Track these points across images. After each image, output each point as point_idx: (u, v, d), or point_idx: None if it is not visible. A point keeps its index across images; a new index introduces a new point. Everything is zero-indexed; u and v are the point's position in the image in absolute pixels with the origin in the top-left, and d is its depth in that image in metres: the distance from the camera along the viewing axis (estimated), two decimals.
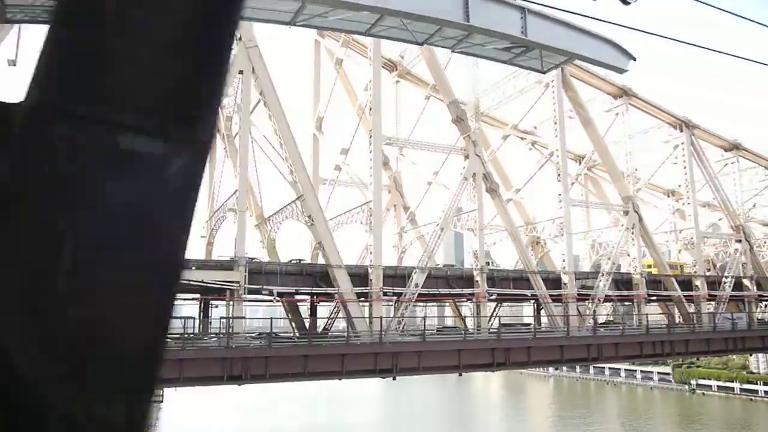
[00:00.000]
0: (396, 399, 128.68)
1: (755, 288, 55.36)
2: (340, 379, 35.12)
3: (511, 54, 10.15)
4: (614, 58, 10.36)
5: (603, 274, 46.93)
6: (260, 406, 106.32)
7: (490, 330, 41.86)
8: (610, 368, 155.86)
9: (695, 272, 52.36)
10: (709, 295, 51.83)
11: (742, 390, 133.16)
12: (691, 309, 51.00)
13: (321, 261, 40.04)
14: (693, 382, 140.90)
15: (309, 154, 52.55)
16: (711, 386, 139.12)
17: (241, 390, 36.20)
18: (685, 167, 53.99)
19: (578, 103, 48.99)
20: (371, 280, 38.29)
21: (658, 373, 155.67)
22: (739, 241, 55.76)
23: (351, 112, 48.42)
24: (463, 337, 37.77)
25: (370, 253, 39.07)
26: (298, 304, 43.28)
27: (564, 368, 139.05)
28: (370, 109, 40.73)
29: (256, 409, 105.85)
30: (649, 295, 49.12)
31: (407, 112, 55.56)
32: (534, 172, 51.23)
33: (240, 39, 37.57)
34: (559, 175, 46.65)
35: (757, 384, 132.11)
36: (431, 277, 41.28)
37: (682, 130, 54.24)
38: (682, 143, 54.06)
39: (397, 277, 40.04)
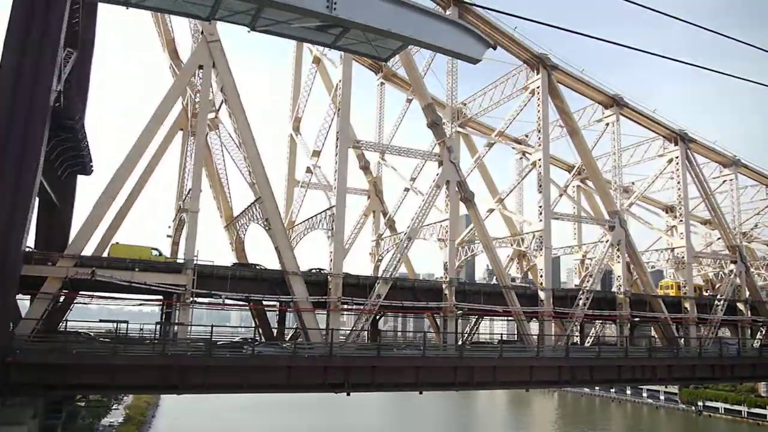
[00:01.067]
0: (396, 407, 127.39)
1: (749, 312, 52.40)
2: (286, 392, 33.29)
3: (330, 35, 8.35)
4: (464, 45, 8.51)
5: (583, 292, 44.60)
6: (261, 406, 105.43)
7: (461, 345, 39.89)
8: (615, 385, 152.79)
9: (685, 293, 49.70)
10: (699, 318, 49.12)
11: (749, 414, 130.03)
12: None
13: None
14: (700, 403, 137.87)
15: (286, 156, 51.10)
16: (718, 408, 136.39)
17: None
18: (678, 182, 51.37)
19: (565, 111, 46.75)
20: (330, 289, 36.42)
21: (665, 392, 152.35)
22: (735, 262, 52.90)
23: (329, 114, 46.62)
24: (422, 353, 35.62)
25: (330, 260, 37.18)
26: (266, 311, 41.65)
27: None
28: (338, 109, 38.93)
29: (258, 410, 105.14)
30: (633, 317, 46.57)
31: (393, 115, 53.90)
32: (517, 182, 49.00)
33: (202, 33, 36.17)
34: (540, 185, 44.44)
35: (765, 408, 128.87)
36: (397, 288, 39.28)
37: (677, 144, 51.67)
38: (677, 157, 51.47)
39: (359, 286, 38.06)
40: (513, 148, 57.82)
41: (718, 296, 51.58)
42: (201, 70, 35.84)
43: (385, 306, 38.61)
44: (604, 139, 51.66)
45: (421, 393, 37.03)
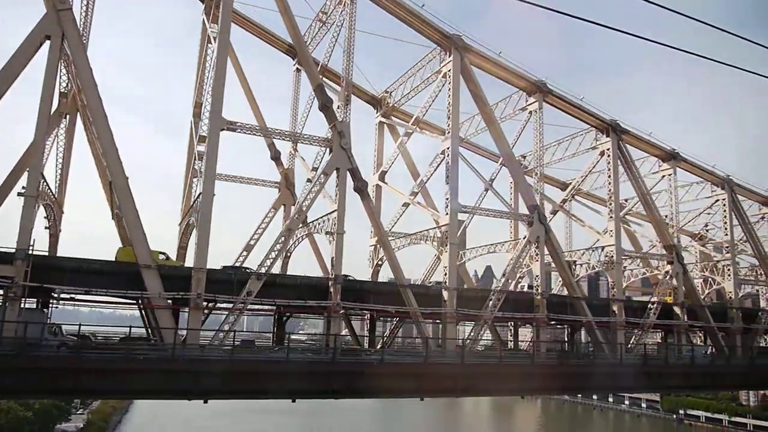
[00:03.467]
0: (384, 413, 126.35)
1: (686, 317, 48.66)
2: (128, 398, 29.80)
3: None
4: None
5: (494, 293, 41.04)
6: (239, 411, 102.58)
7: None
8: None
9: (613, 295, 46.07)
10: (627, 322, 45.41)
11: (730, 422, 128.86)
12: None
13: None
14: (681, 411, 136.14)
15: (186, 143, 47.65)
16: (699, 417, 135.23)
17: None
18: (609, 176, 47.76)
19: (479, 97, 43.18)
20: (193, 284, 32.91)
21: (647, 400, 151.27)
22: (671, 262, 49.17)
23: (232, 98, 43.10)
24: (285, 357, 32.02)
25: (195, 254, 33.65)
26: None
27: None
28: (211, 87, 35.52)
29: (235, 415, 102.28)
30: (550, 319, 42.96)
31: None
32: (430, 173, 45.36)
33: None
34: (448, 176, 40.95)
35: (746, 417, 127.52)
36: (276, 286, 35.78)
37: (608, 135, 48.10)
38: (608, 149, 47.87)
39: (232, 283, 34.52)
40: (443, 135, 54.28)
41: (651, 299, 47.89)
42: (49, 41, 32.31)
43: (256, 304, 35.11)
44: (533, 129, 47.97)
45: (293, 401, 33.58)
